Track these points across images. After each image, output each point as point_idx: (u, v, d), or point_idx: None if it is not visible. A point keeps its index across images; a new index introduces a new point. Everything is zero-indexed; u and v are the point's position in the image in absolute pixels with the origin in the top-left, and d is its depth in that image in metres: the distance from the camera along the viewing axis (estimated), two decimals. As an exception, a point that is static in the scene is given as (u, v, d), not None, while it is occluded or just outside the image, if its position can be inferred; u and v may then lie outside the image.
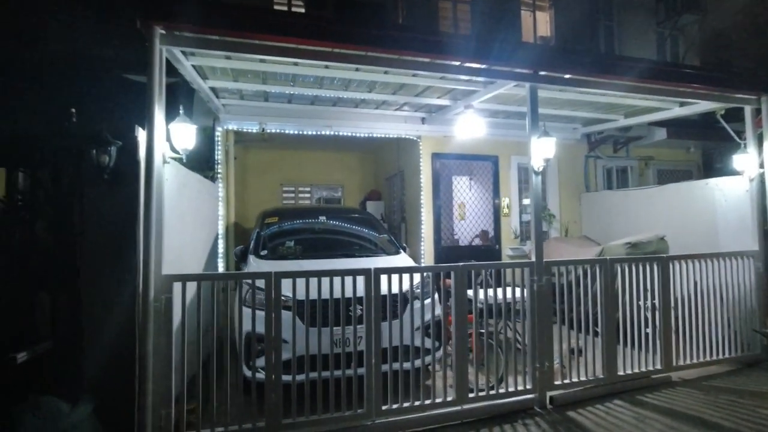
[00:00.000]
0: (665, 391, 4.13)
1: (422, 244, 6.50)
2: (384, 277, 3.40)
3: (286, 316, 3.26)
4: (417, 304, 3.81)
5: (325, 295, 3.28)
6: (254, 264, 4.37)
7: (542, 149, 3.88)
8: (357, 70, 4.34)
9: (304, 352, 3.24)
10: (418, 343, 3.63)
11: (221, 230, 5.74)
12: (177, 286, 2.97)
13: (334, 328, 3.32)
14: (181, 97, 4.67)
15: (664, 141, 7.33)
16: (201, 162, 5.58)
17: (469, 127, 5.08)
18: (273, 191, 9.10)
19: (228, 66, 4.09)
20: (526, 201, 7.31)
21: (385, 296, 3.38)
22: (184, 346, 3.02)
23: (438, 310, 3.90)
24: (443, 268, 3.72)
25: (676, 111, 5.64)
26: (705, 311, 4.45)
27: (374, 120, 6.30)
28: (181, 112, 3.22)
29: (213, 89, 5.07)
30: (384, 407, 3.40)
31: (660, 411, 3.74)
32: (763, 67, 4.59)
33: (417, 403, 3.49)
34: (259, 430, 3.10)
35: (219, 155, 5.83)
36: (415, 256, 6.67)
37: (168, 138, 3.11)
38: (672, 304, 4.33)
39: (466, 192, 7.33)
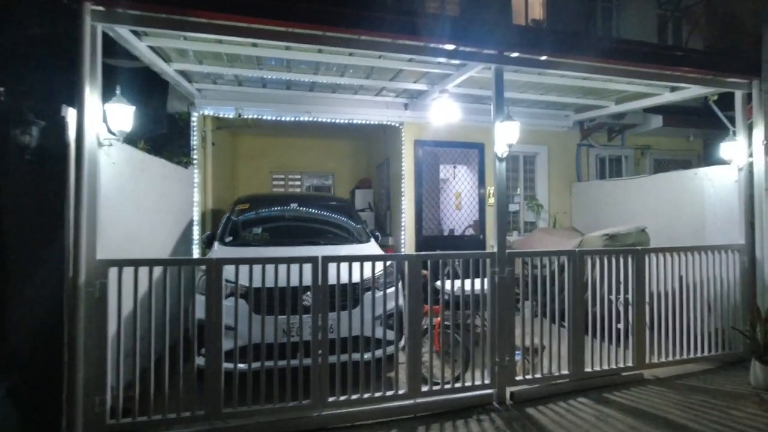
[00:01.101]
0: (635, 390, 3.96)
1: (402, 233, 6.38)
2: (343, 266, 3.32)
3: (234, 303, 3.19)
4: (378, 293, 3.71)
5: (281, 283, 3.20)
6: (217, 250, 4.32)
7: (506, 134, 3.68)
8: (320, 51, 4.20)
9: (252, 340, 3.17)
10: (377, 334, 3.54)
11: (197, 216, 5.70)
12: (113, 271, 2.91)
13: (281, 317, 3.24)
14: (141, 80, 4.58)
15: (662, 129, 7.01)
16: (174, 147, 5.54)
17: (444, 112, 4.89)
18: (263, 178, 9.05)
19: (186, 47, 3.99)
20: (515, 191, 7.11)
21: (335, 285, 3.29)
22: (135, 332, 2.96)
23: (400, 301, 3.78)
24: (397, 257, 3.60)
25: (667, 96, 5.35)
26: (685, 307, 4.25)
27: (355, 106, 6.16)
28: (117, 92, 3.13)
29: (183, 73, 4.99)
30: (331, 399, 3.32)
31: (624, 410, 3.58)
32: (757, 50, 4.27)
33: (366, 395, 3.40)
34: (199, 419, 3.05)
35: (195, 141, 5.77)
36: (398, 245, 6.56)
37: (105, 119, 3.03)
38: (647, 299, 4.13)
39: (454, 181, 7.14)
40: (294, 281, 3.24)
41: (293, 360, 3.26)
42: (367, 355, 3.43)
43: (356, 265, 3.40)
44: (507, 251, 3.74)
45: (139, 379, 3.02)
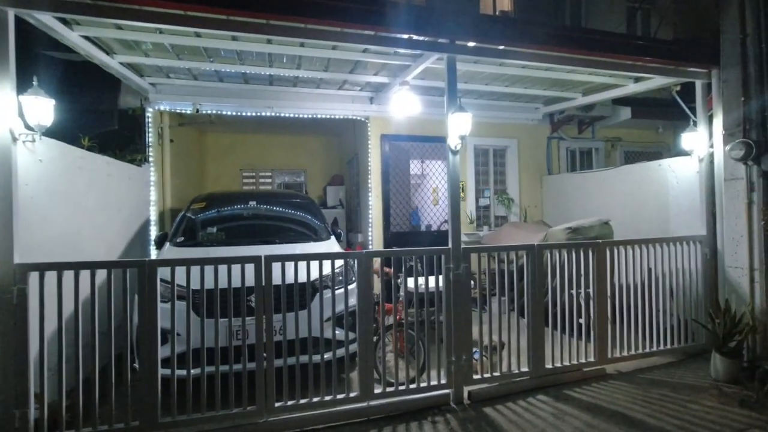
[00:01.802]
0: (596, 385, 3.89)
1: (370, 229, 6.24)
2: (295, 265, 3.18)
3: (179, 306, 3.02)
4: (333, 292, 3.55)
5: (225, 284, 3.04)
6: (166, 251, 4.13)
7: (458, 126, 3.55)
8: (269, 42, 4.03)
9: (194, 344, 3.01)
10: (328, 334, 3.41)
11: (154, 216, 5.49)
12: (34, 276, 2.72)
13: (223, 319, 3.08)
14: (84, 73, 4.36)
15: (632, 121, 6.98)
16: (126, 144, 5.31)
17: (405, 105, 4.76)
18: (233, 176, 8.83)
19: (123, 38, 3.78)
20: (485, 185, 7.01)
21: (288, 285, 3.15)
22: (62, 340, 2.77)
23: (354, 300, 3.65)
24: (345, 255, 3.46)
25: (632, 87, 5.30)
26: (647, 300, 4.19)
27: (318, 100, 5.99)
28: (34, 83, 2.92)
29: (132, 67, 4.77)
30: (278, 404, 3.17)
31: (583, 407, 3.51)
32: (717, 39, 4.22)
33: (316, 399, 3.26)
34: (133, 430, 2.88)
35: (150, 138, 5.54)
36: (367, 242, 6.42)
37: (21, 113, 2.82)
38: (609, 293, 4.07)
39: (433, 176, 7.02)
40: (239, 283, 3.08)
41: (237, 365, 3.11)
42: (320, 357, 3.29)
43: (311, 264, 3.27)
44: (462, 247, 3.63)
45: (81, 388, 2.82)
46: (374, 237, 6.25)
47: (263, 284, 3.11)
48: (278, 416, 3.19)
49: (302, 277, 3.32)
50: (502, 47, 3.91)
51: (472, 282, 4.22)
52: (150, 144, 5.53)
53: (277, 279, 3.14)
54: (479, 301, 4.38)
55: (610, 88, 5.57)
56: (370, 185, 6.28)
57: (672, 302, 4.30)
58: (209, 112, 5.80)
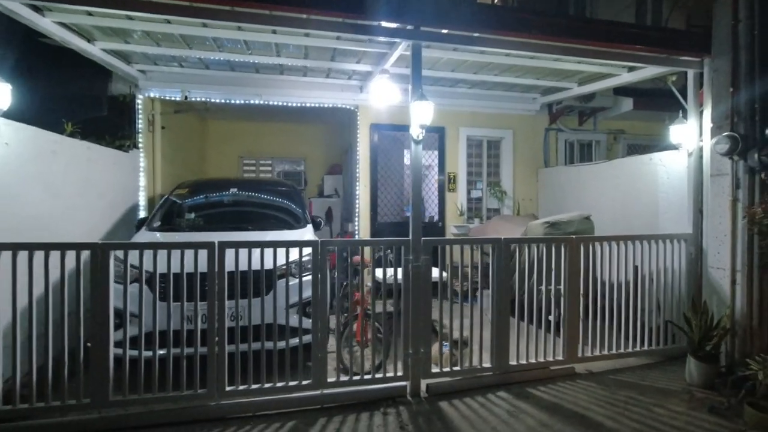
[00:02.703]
0: (561, 384, 3.79)
1: (357, 219, 6.22)
2: (267, 251, 3.25)
3: (134, 289, 3.11)
4: (294, 281, 3.57)
5: (186, 269, 3.11)
6: (138, 235, 4.23)
7: (420, 115, 3.47)
8: (239, 29, 4.02)
9: (147, 327, 3.09)
10: (287, 321, 3.44)
11: (143, 201, 5.63)
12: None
13: (176, 303, 3.14)
14: (70, 60, 4.45)
15: (637, 113, 6.68)
16: (116, 130, 5.43)
17: (383, 94, 4.69)
18: (233, 164, 8.94)
19: (99, 24, 3.84)
20: (478, 176, 6.87)
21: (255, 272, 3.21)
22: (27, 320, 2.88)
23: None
24: (300, 244, 3.45)
25: (625, 77, 5.06)
26: (629, 298, 4.03)
27: (306, 88, 5.97)
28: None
29: (120, 54, 4.86)
30: (229, 388, 3.22)
31: (542, 406, 3.42)
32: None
33: (268, 385, 3.30)
34: (85, 407, 2.98)
35: (140, 124, 5.66)
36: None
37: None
38: (582, 290, 3.93)
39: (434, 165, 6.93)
40: (198, 267, 3.13)
41: (191, 348, 3.16)
42: (273, 345, 3.33)
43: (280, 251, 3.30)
44: (423, 239, 3.57)
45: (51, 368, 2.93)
46: (361, 227, 6.23)
47: (216, 270, 3.15)
48: (229, 400, 3.23)
49: (270, 264, 3.34)
50: (474, 34, 3.78)
51: (445, 274, 4.18)
52: (140, 130, 5.65)
53: (242, 265, 3.20)
54: (461, 294, 4.31)
55: (605, 78, 5.34)
56: (358, 175, 6.25)
57: (656, 302, 4.12)
58: (200, 99, 5.87)
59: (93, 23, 3.80)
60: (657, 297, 4.14)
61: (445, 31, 3.70)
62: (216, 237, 4.02)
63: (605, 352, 4.05)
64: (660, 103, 6.24)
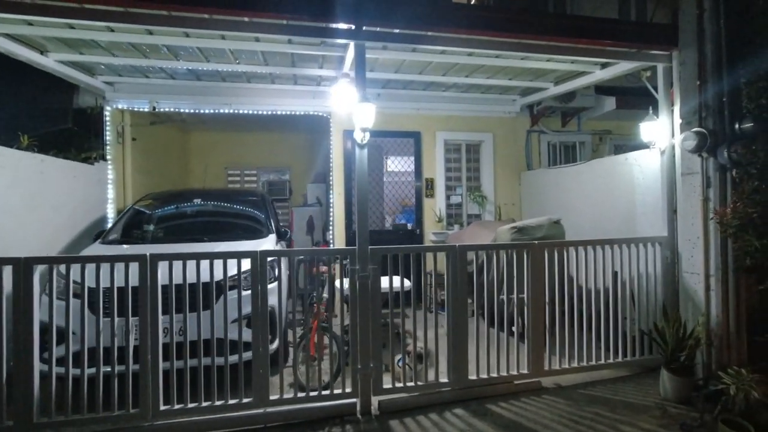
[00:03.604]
0: (525, 400, 3.55)
1: (331, 227, 6.07)
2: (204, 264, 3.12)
3: (49, 304, 2.98)
4: (243, 293, 3.42)
5: (120, 283, 2.98)
6: (89, 249, 4.13)
7: (361, 118, 3.32)
8: (186, 35, 3.93)
9: (77, 343, 2.97)
10: (242, 337, 3.27)
11: (111, 213, 5.55)
12: None
13: (107, 319, 3.01)
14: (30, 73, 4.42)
15: (623, 113, 6.43)
16: (82, 143, 5.38)
17: (343, 98, 4.54)
18: (218, 175, 8.88)
19: (39, 33, 3.78)
20: (458, 182, 6.67)
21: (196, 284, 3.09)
22: None
23: (272, 300, 3.49)
24: (239, 255, 3.30)
25: (599, 74, 4.86)
26: (597, 307, 3.79)
27: (276, 96, 5.88)
28: None
29: (80, 65, 4.81)
30: (164, 407, 3.07)
31: (500, 424, 3.20)
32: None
33: (206, 404, 3.13)
34: (7, 429, 2.85)
35: (108, 136, 5.61)
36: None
37: None
38: (547, 299, 3.71)
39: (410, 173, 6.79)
40: (134, 281, 3.00)
41: (122, 366, 3.02)
42: (216, 360, 3.17)
43: (210, 264, 3.15)
44: (370, 247, 3.39)
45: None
46: (336, 235, 6.07)
47: (148, 283, 3.02)
48: (165, 420, 3.08)
49: (210, 276, 3.19)
50: (420, 33, 3.61)
51: (408, 283, 4.00)
52: (108, 142, 5.59)
53: (190, 278, 3.11)
54: (435, 304, 4.12)
55: (579, 76, 5.13)
56: (331, 183, 6.11)
57: (632, 311, 3.88)
58: (169, 110, 5.81)
59: (35, 33, 3.74)
60: (638, 305, 3.89)
61: (396, 30, 3.57)
62: (172, 249, 3.97)
63: (575, 364, 3.80)
64: (644, 101, 5.98)
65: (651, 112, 4.02)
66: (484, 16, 3.46)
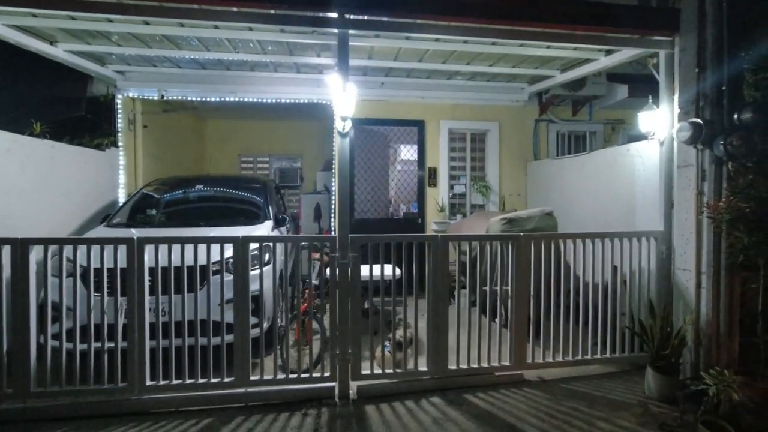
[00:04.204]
0: (504, 392, 3.54)
1: (332, 215, 6.14)
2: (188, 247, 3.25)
3: (68, 283, 3.19)
4: (228, 277, 3.55)
5: (110, 264, 3.17)
6: (92, 231, 4.35)
7: (342, 106, 3.33)
8: (181, 25, 4.03)
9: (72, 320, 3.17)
10: (224, 319, 3.40)
11: (123, 198, 5.80)
12: None
13: (101, 297, 3.19)
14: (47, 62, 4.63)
15: (635, 101, 6.13)
16: (95, 130, 5.62)
17: (337, 87, 4.55)
18: (232, 161, 9.09)
19: (44, 25, 3.96)
20: (462, 171, 6.60)
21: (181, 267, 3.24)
22: None
23: (266, 284, 3.59)
24: (222, 240, 3.40)
25: (603, 61, 4.68)
26: (586, 302, 3.72)
27: (280, 84, 5.95)
28: None
29: (92, 55, 5.01)
30: (150, 383, 3.24)
31: (474, 414, 3.21)
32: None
33: (189, 381, 3.29)
34: (7, 396, 3.08)
35: (120, 123, 5.83)
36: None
37: None
38: (532, 292, 3.66)
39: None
40: (122, 263, 3.17)
41: (111, 343, 3.20)
42: (194, 340, 3.32)
43: (194, 248, 3.27)
44: (350, 235, 3.43)
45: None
46: (336, 223, 6.12)
47: (135, 265, 3.17)
48: (150, 395, 3.25)
49: (200, 260, 3.33)
50: (408, 20, 3.57)
51: (399, 272, 4.02)
52: (120, 129, 5.82)
53: (175, 261, 3.24)
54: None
55: (583, 63, 4.96)
56: (334, 171, 6.16)
57: (624, 307, 3.78)
58: (177, 98, 5.98)
59: (39, 24, 3.91)
60: (623, 300, 3.79)
61: (385, 18, 3.54)
62: (168, 232, 4.16)
63: (560, 358, 3.75)
64: (655, 88, 5.71)
65: (651, 101, 3.85)
66: (471, 3, 3.38)
